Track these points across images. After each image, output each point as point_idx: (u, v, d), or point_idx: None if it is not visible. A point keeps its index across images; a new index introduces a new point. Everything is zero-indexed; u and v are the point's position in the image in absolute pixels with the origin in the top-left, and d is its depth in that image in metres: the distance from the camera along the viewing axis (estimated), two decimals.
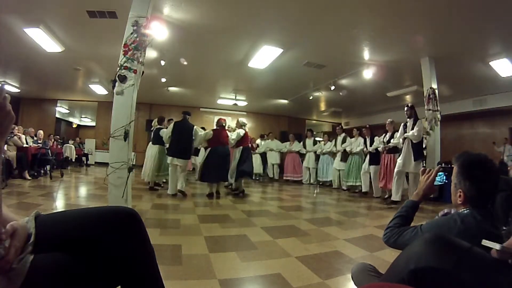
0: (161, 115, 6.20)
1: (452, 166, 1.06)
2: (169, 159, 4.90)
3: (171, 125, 4.96)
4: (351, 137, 6.96)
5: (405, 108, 4.99)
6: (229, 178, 5.30)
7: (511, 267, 0.62)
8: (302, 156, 8.30)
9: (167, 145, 5.13)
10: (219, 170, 4.94)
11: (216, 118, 11.88)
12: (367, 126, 6.56)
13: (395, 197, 4.66)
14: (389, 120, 5.53)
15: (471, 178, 0.96)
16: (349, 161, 6.62)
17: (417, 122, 4.80)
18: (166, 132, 4.97)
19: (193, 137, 4.97)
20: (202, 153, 6.25)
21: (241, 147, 5.36)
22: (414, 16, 4.02)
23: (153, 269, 0.84)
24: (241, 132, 5.37)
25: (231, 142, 5.26)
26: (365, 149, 6.17)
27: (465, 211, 0.97)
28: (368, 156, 6.01)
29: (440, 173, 1.13)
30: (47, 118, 10.78)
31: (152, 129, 5.94)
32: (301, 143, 8.34)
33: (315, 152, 7.93)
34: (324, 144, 7.82)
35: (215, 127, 5.22)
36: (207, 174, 4.88)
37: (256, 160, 8.08)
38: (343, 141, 6.98)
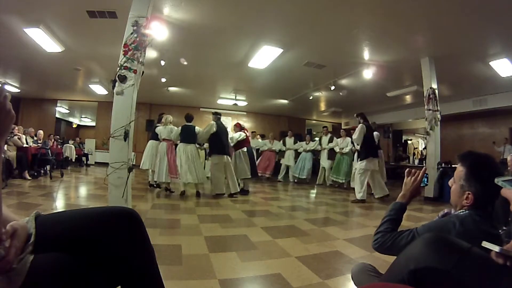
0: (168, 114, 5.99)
1: (453, 166, 1.05)
2: (222, 158, 4.90)
3: (214, 124, 4.90)
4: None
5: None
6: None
7: (511, 268, 0.62)
8: (282, 154, 8.62)
9: (202, 144, 5.36)
10: (255, 168, 5.50)
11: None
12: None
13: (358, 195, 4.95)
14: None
15: (482, 179, 0.93)
16: (337, 160, 7.07)
17: (358, 127, 5.15)
18: (206, 131, 4.82)
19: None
20: None
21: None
22: (414, 16, 4.02)
23: (153, 269, 0.84)
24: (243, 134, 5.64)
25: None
26: (353, 148, 6.56)
27: (463, 213, 0.95)
28: (355, 154, 6.30)
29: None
30: (47, 118, 10.78)
31: (155, 126, 5.76)
32: (281, 141, 8.60)
33: (295, 150, 8.27)
34: (307, 143, 8.16)
35: (236, 131, 5.51)
36: (252, 171, 5.36)
37: None
38: (330, 141, 7.47)
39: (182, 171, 4.79)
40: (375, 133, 5.65)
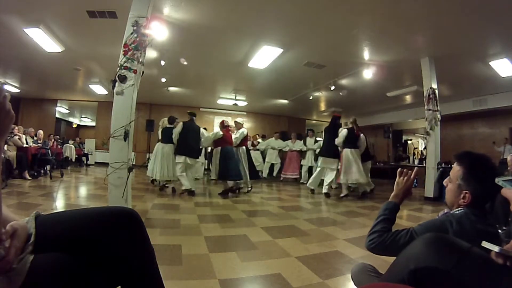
0: (161, 116, 6.27)
1: (453, 166, 1.05)
2: (181, 158, 4.97)
3: (180, 125, 5.10)
4: None
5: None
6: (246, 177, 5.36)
7: (511, 268, 0.62)
8: (303, 154, 8.42)
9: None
10: (236, 168, 5.15)
11: (216, 118, 12.02)
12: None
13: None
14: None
15: (480, 178, 0.94)
16: None
17: None
18: (175, 132, 5.10)
19: (201, 138, 5.18)
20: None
21: (244, 147, 5.47)
22: (414, 16, 4.02)
23: (153, 269, 0.84)
24: (245, 131, 5.43)
25: (235, 142, 5.36)
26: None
27: (458, 212, 0.96)
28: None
29: None
30: (47, 118, 10.78)
31: (161, 127, 6.04)
32: (302, 141, 8.42)
33: (314, 151, 8.06)
34: None
35: (218, 128, 5.33)
36: (226, 172, 5.04)
37: (258, 157, 8.51)
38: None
39: (154, 167, 5.28)
40: (361, 135, 5.52)
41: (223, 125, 5.32)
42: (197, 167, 6.08)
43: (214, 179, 5.26)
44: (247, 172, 5.42)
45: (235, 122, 5.63)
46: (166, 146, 5.35)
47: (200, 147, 5.49)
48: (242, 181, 5.43)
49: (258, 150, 8.68)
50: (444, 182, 1.07)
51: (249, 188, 5.55)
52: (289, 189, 6.85)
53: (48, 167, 6.60)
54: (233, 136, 5.39)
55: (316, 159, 7.99)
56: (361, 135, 5.54)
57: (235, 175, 5.05)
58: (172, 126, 5.36)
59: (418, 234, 0.93)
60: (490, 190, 0.93)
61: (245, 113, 11.79)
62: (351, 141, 5.33)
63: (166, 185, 5.49)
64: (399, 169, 1.16)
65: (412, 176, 1.12)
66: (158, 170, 5.18)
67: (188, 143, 5.01)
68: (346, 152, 5.30)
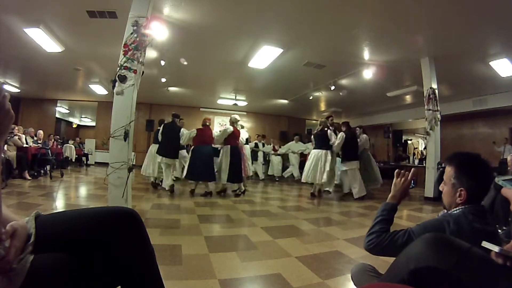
0: (161, 116, 6.36)
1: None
2: (159, 158, 5.22)
3: (162, 125, 5.38)
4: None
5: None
6: (224, 178, 5.10)
7: (511, 268, 0.62)
8: None
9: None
10: (204, 169, 4.95)
11: (216, 118, 11.93)
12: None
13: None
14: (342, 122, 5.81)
15: (475, 176, 0.96)
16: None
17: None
18: (158, 133, 5.44)
19: (180, 137, 5.27)
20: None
21: (229, 146, 5.15)
22: (414, 17, 4.02)
23: (153, 269, 0.85)
24: (229, 129, 5.14)
25: (218, 140, 5.18)
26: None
27: (456, 211, 0.97)
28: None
29: None
30: (47, 118, 10.78)
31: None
32: None
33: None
34: None
35: (217, 128, 5.27)
36: (192, 172, 4.96)
37: (279, 163, 8.71)
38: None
39: (144, 165, 5.82)
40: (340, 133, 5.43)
41: (202, 123, 5.25)
42: (176, 167, 6.06)
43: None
44: (223, 173, 5.06)
45: (230, 119, 5.39)
46: (154, 146, 5.68)
47: (182, 146, 5.74)
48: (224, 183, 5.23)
49: (279, 155, 8.77)
50: (440, 187, 1.07)
51: (238, 192, 5.24)
52: (289, 189, 6.85)
53: (48, 167, 6.60)
54: (214, 134, 5.19)
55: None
56: (342, 133, 5.35)
57: (199, 175, 4.94)
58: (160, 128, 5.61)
59: (415, 234, 0.94)
60: (483, 183, 0.96)
61: (245, 113, 11.79)
62: (318, 141, 5.50)
63: (159, 185, 5.64)
64: (397, 170, 1.17)
65: (409, 177, 1.13)
66: (145, 167, 5.77)
67: (166, 144, 5.22)
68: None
